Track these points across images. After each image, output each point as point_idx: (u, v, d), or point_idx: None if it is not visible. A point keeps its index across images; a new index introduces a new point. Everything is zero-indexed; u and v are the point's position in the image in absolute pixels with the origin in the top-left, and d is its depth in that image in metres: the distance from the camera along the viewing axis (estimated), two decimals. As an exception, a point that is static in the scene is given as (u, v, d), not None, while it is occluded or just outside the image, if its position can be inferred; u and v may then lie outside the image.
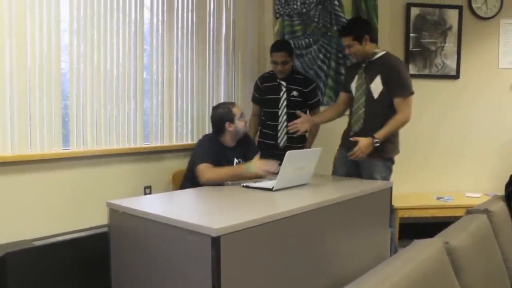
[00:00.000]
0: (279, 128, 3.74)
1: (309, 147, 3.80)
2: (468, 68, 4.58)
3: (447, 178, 4.61)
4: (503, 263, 2.27)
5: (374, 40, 3.32)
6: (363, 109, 3.26)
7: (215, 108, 3.22)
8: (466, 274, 1.84)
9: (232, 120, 3.10)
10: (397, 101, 3.14)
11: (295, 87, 3.71)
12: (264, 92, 3.81)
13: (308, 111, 3.78)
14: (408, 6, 4.46)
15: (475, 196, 4.34)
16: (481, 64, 4.61)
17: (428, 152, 4.60)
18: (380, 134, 3.09)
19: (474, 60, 4.59)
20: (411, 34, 4.49)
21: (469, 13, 4.55)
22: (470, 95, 4.59)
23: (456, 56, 4.55)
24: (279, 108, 3.72)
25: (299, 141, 3.76)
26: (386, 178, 3.27)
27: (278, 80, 3.73)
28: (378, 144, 3.08)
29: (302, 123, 3.34)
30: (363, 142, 3.07)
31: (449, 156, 4.62)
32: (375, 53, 3.25)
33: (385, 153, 3.23)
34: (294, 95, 3.71)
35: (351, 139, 3.14)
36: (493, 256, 2.22)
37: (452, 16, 4.52)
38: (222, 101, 4.06)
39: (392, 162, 3.31)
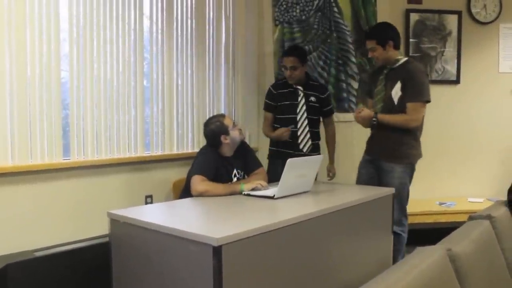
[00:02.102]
0: (299, 134, 3.65)
1: (332, 157, 3.80)
2: (469, 73, 4.58)
3: (449, 183, 4.60)
4: (506, 269, 2.26)
5: (398, 47, 3.33)
6: None
7: (206, 125, 3.13)
8: (469, 281, 1.83)
9: (226, 133, 3.05)
10: (408, 105, 3.19)
11: (312, 92, 3.68)
12: (280, 98, 3.71)
13: (321, 118, 3.80)
14: (408, 11, 4.47)
15: (478, 201, 4.33)
16: (481, 69, 4.61)
17: (430, 158, 4.56)
18: (382, 117, 3.21)
19: (474, 64, 4.59)
20: (410, 40, 4.49)
21: (469, 18, 4.56)
22: (471, 100, 4.59)
23: (456, 61, 4.55)
24: (297, 114, 3.64)
25: (316, 149, 3.73)
26: (404, 184, 3.29)
27: (294, 86, 3.67)
28: (374, 122, 3.21)
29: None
30: (366, 112, 3.23)
31: (451, 161, 4.61)
32: (397, 60, 3.29)
33: (400, 156, 3.27)
34: (312, 100, 3.66)
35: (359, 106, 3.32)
36: (496, 262, 2.21)
37: (451, 21, 4.52)
38: (222, 108, 4.07)
39: (412, 168, 3.33)
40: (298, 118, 3.65)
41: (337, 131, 3.77)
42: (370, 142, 3.47)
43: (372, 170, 3.42)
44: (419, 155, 3.35)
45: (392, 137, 3.25)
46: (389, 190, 3.09)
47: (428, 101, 3.21)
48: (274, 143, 3.77)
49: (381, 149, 3.34)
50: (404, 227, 3.38)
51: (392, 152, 3.27)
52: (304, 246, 2.33)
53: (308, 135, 3.66)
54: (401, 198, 3.29)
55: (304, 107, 3.65)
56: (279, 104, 3.73)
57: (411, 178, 3.35)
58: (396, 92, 3.23)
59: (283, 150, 3.64)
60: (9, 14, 2.74)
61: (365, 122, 3.28)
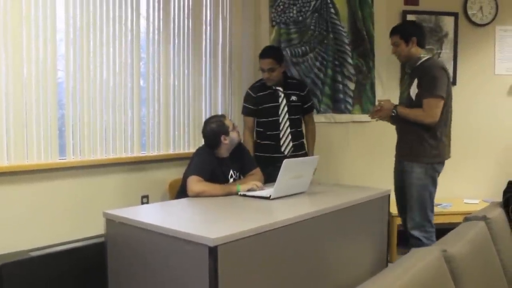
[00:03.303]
0: (281, 136, 3.63)
1: (312, 155, 3.75)
2: (465, 74, 4.59)
3: (445, 185, 4.57)
4: (502, 270, 2.26)
5: (422, 45, 3.26)
6: None
7: (207, 123, 3.14)
8: (465, 282, 1.83)
9: (226, 133, 3.06)
10: (423, 101, 3.12)
11: (293, 91, 3.66)
12: (261, 101, 3.67)
13: (303, 116, 3.78)
14: (404, 13, 4.48)
15: (473, 203, 4.34)
16: (477, 71, 4.62)
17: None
18: (400, 109, 3.21)
19: (470, 66, 4.60)
20: (407, 41, 4.49)
21: (465, 20, 4.57)
22: (467, 101, 4.59)
23: (452, 62, 4.56)
24: (279, 116, 3.62)
25: (301, 148, 3.72)
26: (425, 185, 3.18)
27: (273, 87, 3.64)
28: (394, 114, 3.22)
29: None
30: (387, 104, 3.26)
31: (447, 162, 4.59)
32: (420, 59, 3.22)
33: (418, 154, 3.18)
34: (293, 100, 3.64)
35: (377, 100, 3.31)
36: (491, 263, 2.21)
37: (448, 23, 4.53)
38: (219, 109, 4.07)
39: (433, 169, 3.21)
40: (280, 120, 3.63)
41: (333, 132, 3.77)
42: (397, 144, 3.41)
43: (400, 173, 3.34)
44: (440, 156, 3.22)
45: (411, 135, 3.20)
46: (385, 191, 3.09)
47: (442, 97, 3.08)
48: (261, 148, 3.72)
49: (401, 149, 3.33)
50: (428, 234, 3.20)
51: (411, 150, 3.21)
52: (300, 247, 2.33)
53: (290, 137, 3.63)
54: (422, 201, 3.18)
55: (286, 109, 3.62)
56: (259, 107, 3.69)
57: (434, 181, 3.23)
58: (414, 89, 3.19)
59: (264, 155, 3.64)
60: (5, 15, 2.74)
61: (386, 112, 3.25)
